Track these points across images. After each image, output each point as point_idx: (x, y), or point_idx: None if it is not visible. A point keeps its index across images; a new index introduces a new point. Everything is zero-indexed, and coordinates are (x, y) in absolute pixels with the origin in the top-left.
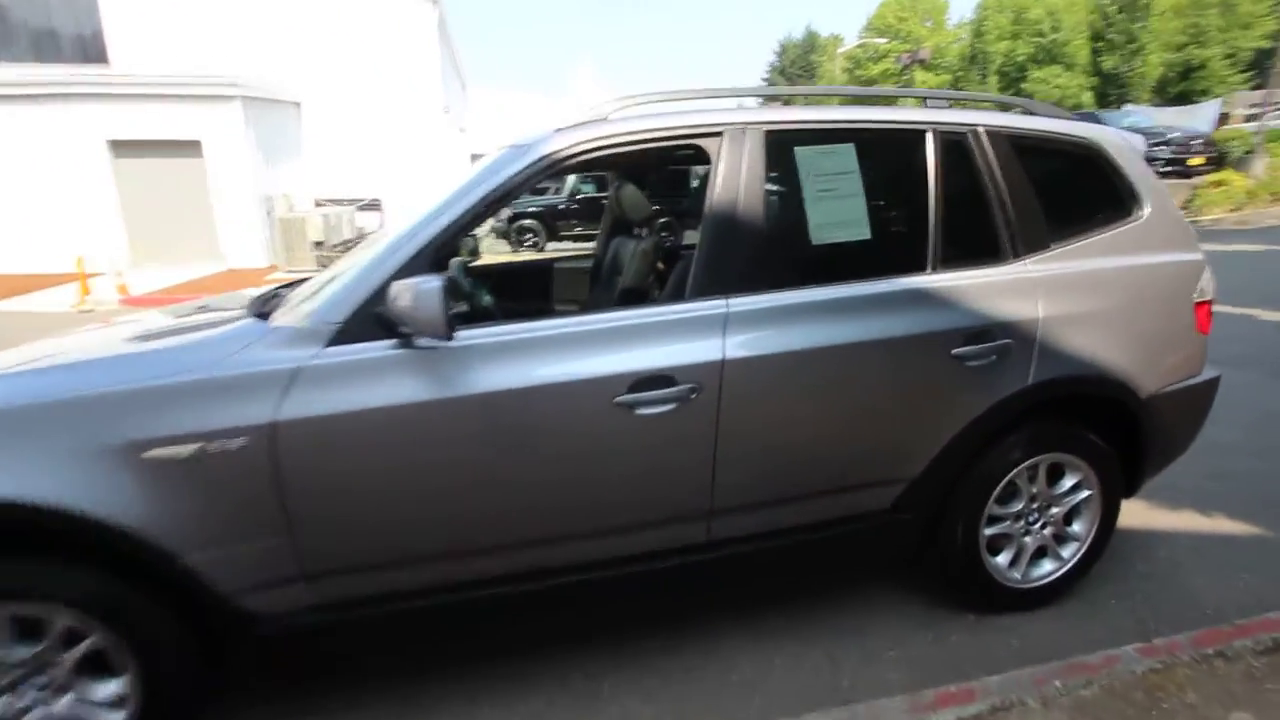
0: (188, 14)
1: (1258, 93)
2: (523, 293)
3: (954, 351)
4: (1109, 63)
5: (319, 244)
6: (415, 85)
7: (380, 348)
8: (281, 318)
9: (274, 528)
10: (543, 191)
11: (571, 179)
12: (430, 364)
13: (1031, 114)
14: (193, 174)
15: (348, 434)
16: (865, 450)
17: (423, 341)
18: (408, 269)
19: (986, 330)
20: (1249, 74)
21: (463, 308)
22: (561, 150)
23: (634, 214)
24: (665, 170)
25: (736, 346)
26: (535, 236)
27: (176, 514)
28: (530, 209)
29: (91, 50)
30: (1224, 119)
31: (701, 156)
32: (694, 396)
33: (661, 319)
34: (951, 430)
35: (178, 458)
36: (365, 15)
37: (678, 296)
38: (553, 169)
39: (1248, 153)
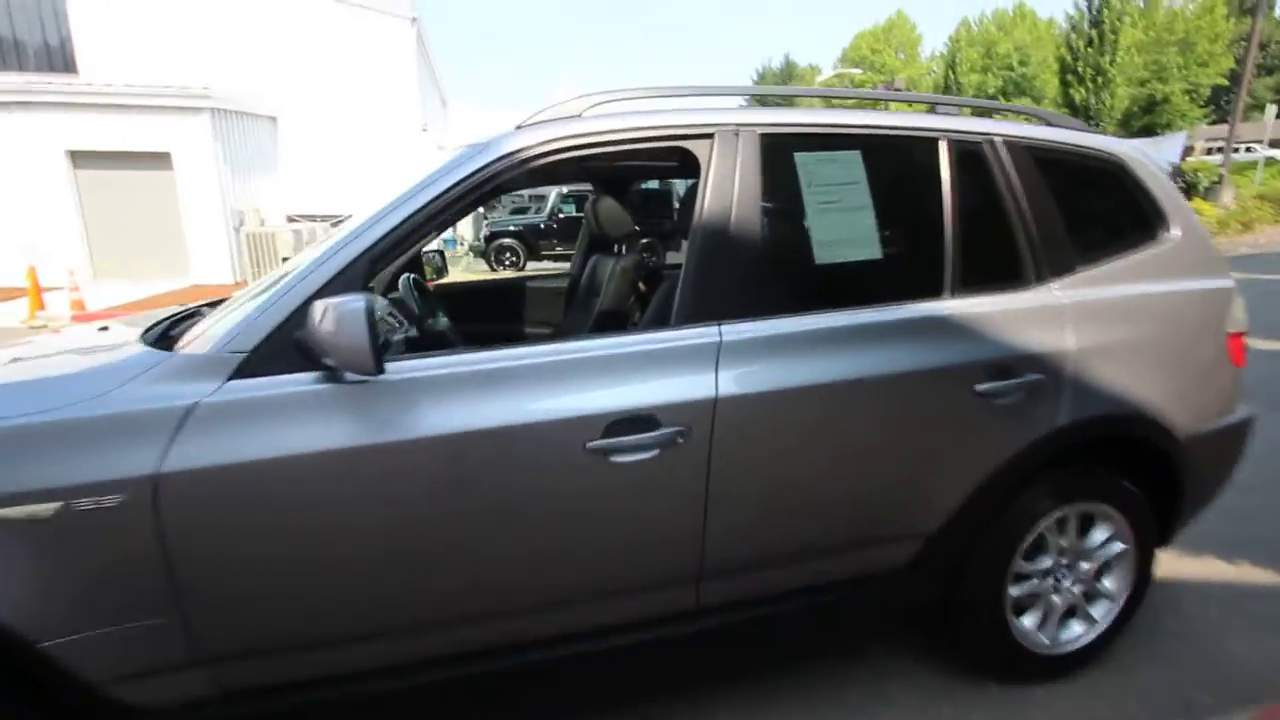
0: (162, 28)
1: (1217, 127)
2: (490, 315)
3: (978, 388)
4: (1078, 95)
5: (287, 259)
6: (393, 102)
7: (299, 382)
8: (187, 345)
9: (159, 604)
10: (524, 211)
11: (553, 196)
12: (360, 402)
13: (1048, 124)
14: (160, 186)
15: (252, 488)
16: (879, 502)
17: (350, 375)
18: (334, 285)
19: (1014, 364)
20: (1207, 109)
21: (410, 333)
22: (524, 149)
23: (613, 229)
24: (648, 182)
25: (731, 382)
26: (515, 256)
27: (32, 589)
28: (510, 228)
29: (58, 61)
30: (1187, 151)
31: (689, 161)
32: (681, 441)
33: (643, 349)
34: (976, 478)
35: (35, 519)
36: (344, 33)
37: (662, 322)
38: (514, 170)
39: (1215, 183)
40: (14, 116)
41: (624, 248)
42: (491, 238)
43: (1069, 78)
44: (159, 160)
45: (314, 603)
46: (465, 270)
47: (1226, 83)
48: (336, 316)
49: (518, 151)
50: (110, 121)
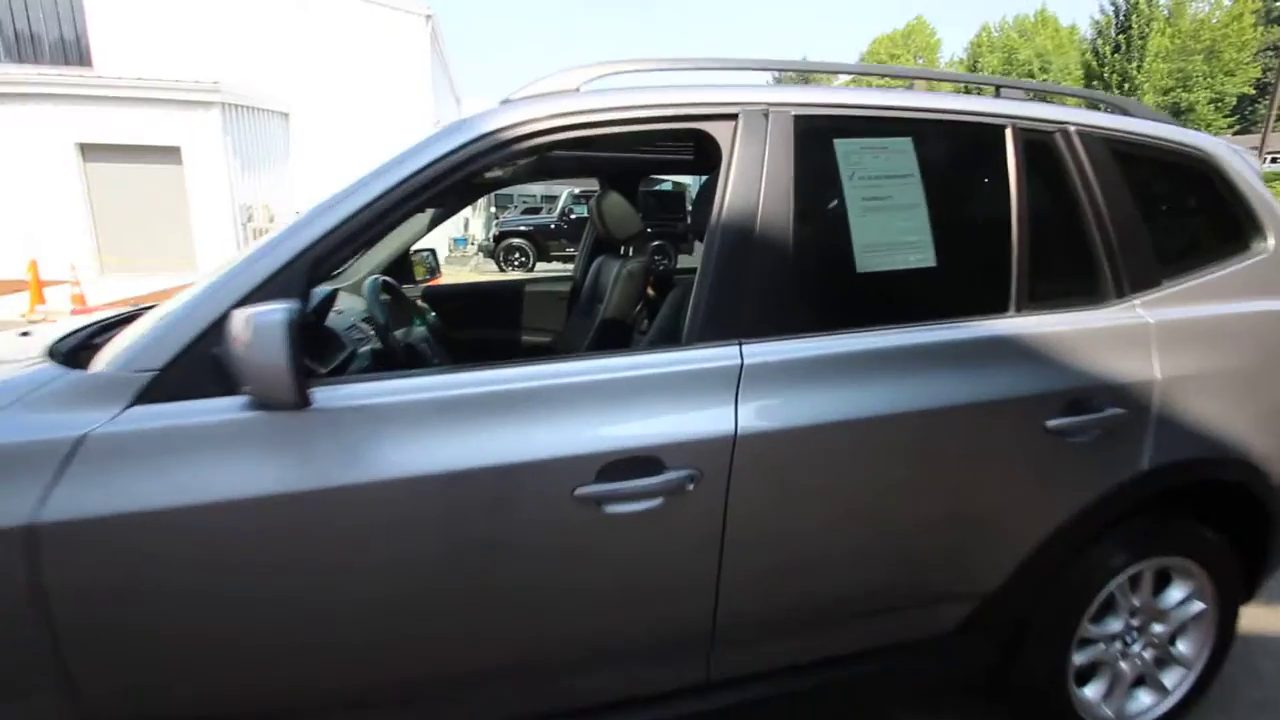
0: (178, 24)
1: (1241, 138)
2: (484, 322)
3: (1050, 424)
4: None
5: None
6: (406, 99)
7: (218, 409)
8: (100, 360)
9: (40, 679)
10: (535, 211)
11: (564, 196)
12: (291, 436)
13: (1126, 113)
14: (169, 180)
15: (154, 543)
16: (930, 558)
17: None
18: (267, 289)
19: (1092, 396)
20: (1232, 119)
21: (376, 346)
22: (508, 128)
23: (618, 228)
24: (660, 184)
25: (754, 415)
26: (524, 256)
27: None
28: (520, 228)
29: (74, 55)
30: None
31: (707, 148)
32: (691, 488)
33: (647, 373)
34: (1043, 531)
35: None
36: (358, 29)
37: (671, 339)
38: (495, 153)
39: None
40: (26, 108)
41: (631, 249)
42: (501, 237)
43: (1094, 84)
44: (168, 154)
45: (240, 676)
46: (474, 270)
47: (1253, 92)
48: (252, 329)
49: (500, 131)
50: (121, 114)
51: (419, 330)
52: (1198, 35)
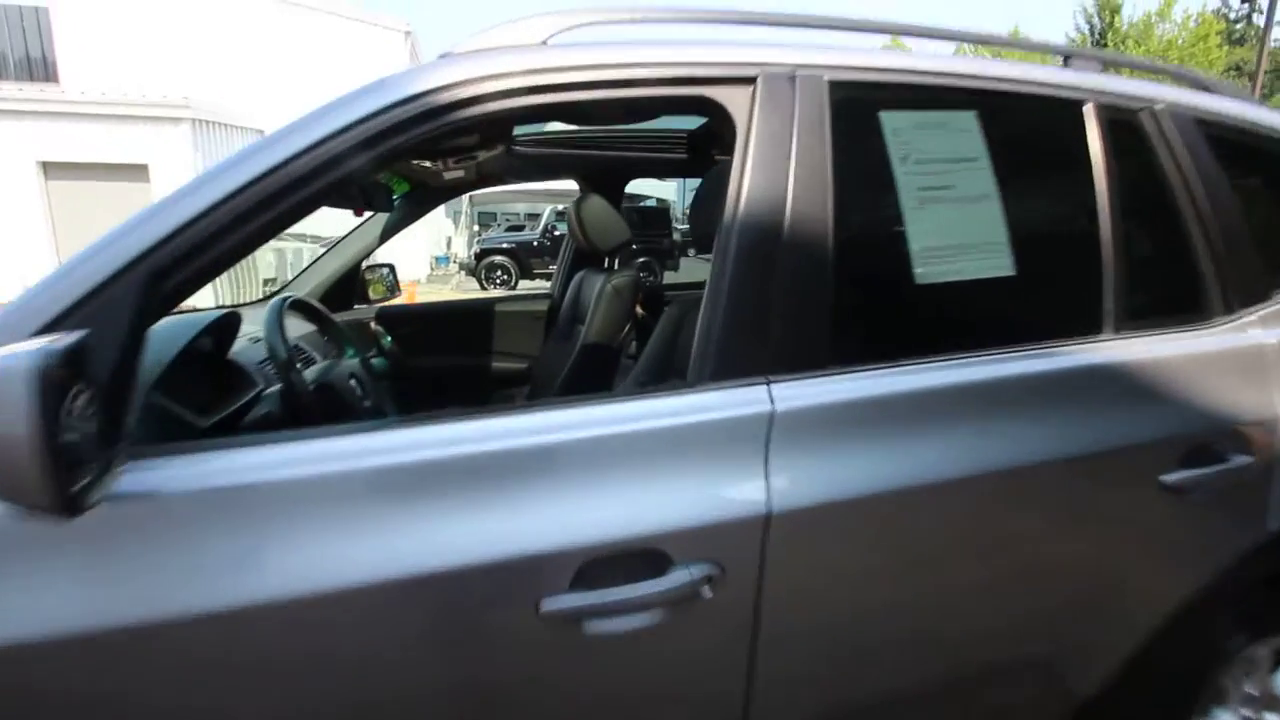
0: (149, 44)
1: None
2: (446, 349)
3: (1166, 479)
4: None
5: (270, 281)
6: None
7: None
8: None
9: None
10: (519, 229)
11: (547, 213)
12: (107, 539)
13: (1207, 90)
14: (137, 199)
15: None
16: (1022, 658)
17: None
18: (70, 321)
19: (1215, 440)
20: None
21: (276, 388)
22: (447, 89)
23: (601, 237)
24: (644, 199)
25: (792, 482)
26: (506, 274)
27: None
28: (502, 245)
29: (40, 73)
30: None
31: (718, 122)
32: (708, 592)
33: (641, 426)
34: (1156, 616)
35: None
36: (336, 46)
37: (667, 374)
38: (429, 121)
39: None
40: None
41: (617, 262)
42: (482, 255)
43: None
44: (136, 172)
45: None
46: (455, 288)
47: None
48: None
49: (435, 92)
50: (85, 131)
51: (347, 364)
52: (1165, 55)
